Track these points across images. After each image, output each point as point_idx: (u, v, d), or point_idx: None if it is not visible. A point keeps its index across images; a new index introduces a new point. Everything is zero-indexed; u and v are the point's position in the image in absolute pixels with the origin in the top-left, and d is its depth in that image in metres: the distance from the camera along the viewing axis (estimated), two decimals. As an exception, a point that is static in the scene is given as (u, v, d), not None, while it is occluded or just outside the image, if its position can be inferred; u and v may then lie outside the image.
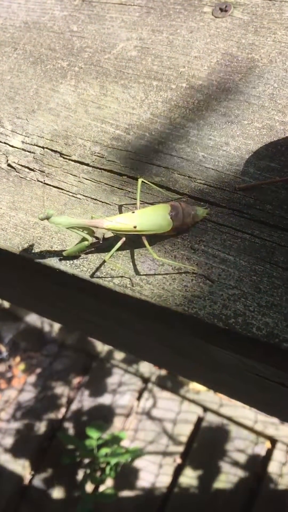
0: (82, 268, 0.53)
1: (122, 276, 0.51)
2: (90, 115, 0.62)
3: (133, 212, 0.51)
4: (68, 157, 0.60)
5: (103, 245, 0.54)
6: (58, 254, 0.54)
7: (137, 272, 0.51)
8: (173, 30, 0.64)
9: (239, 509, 1.99)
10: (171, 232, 0.51)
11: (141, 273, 0.51)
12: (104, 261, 0.52)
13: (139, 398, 2.34)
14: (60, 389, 2.45)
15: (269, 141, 0.54)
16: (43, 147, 0.62)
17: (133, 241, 0.52)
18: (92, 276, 0.52)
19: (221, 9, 0.63)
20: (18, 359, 2.53)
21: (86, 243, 0.52)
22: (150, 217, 0.50)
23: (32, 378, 2.50)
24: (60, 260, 0.53)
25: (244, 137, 0.55)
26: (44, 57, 0.69)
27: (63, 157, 0.60)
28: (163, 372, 2.36)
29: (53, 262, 0.54)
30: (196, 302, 0.47)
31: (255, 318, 0.45)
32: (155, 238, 0.52)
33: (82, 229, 0.52)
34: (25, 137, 0.63)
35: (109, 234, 0.54)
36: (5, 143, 0.64)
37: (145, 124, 0.59)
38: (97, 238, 0.54)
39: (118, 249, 0.52)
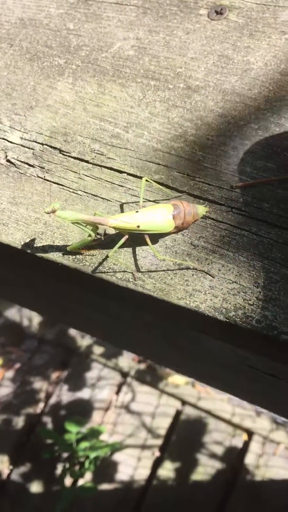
0: (84, 262, 0.54)
1: (124, 271, 0.53)
2: (89, 113, 0.63)
3: (137, 211, 0.53)
4: (67, 154, 0.61)
5: (104, 241, 0.55)
6: (60, 248, 0.55)
7: (139, 267, 0.52)
8: (169, 31, 0.66)
9: (217, 500, 2.03)
10: (172, 231, 0.53)
11: (143, 268, 0.52)
12: (107, 256, 0.53)
13: (118, 392, 2.36)
14: (39, 384, 2.45)
15: (265, 142, 0.56)
16: (42, 144, 0.63)
17: (136, 238, 0.54)
18: (94, 270, 0.53)
19: (216, 12, 0.65)
20: (-5, 354, 2.52)
21: (89, 238, 0.53)
22: (153, 217, 0.52)
23: (10, 373, 2.50)
24: (63, 254, 0.55)
25: (241, 137, 0.57)
26: (40, 54, 0.70)
27: (63, 154, 0.61)
28: (142, 366, 2.38)
29: (55, 256, 0.55)
30: (197, 296, 0.49)
31: (255, 312, 0.47)
32: (157, 235, 0.53)
33: (86, 224, 0.53)
34: (24, 133, 0.64)
35: (110, 231, 0.55)
36: (3, 138, 0.64)
37: (143, 122, 0.61)
38: (99, 234, 0.55)
39: (120, 246, 0.53)
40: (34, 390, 2.44)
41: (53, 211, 0.52)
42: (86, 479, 2.16)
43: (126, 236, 0.54)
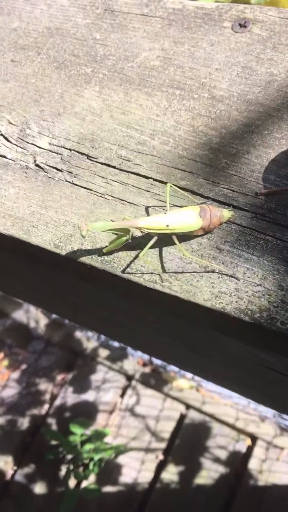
0: (113, 264, 0.56)
1: (151, 273, 0.55)
2: (115, 120, 0.66)
3: (165, 213, 0.55)
4: (95, 160, 0.63)
5: (132, 243, 0.57)
6: (88, 250, 0.57)
7: (166, 269, 0.54)
8: (194, 42, 0.68)
9: (220, 504, 2.04)
10: (199, 232, 0.55)
11: (170, 270, 0.54)
12: (135, 259, 0.56)
13: (122, 395, 2.38)
14: (44, 385, 2.47)
15: (288, 151, 0.58)
16: (70, 149, 0.65)
17: (163, 240, 0.56)
18: (123, 272, 0.55)
19: (240, 25, 0.67)
20: (1, 355, 2.54)
21: (123, 239, 0.55)
22: (181, 217, 0.55)
23: (16, 375, 2.52)
24: (92, 256, 0.57)
25: (265, 146, 0.59)
26: (68, 62, 0.72)
27: (90, 159, 0.64)
28: (147, 369, 2.40)
29: (84, 258, 0.57)
30: (223, 298, 0.51)
31: (279, 313, 0.49)
32: (183, 238, 0.56)
33: (118, 230, 0.55)
34: (52, 139, 0.66)
35: (137, 233, 0.58)
36: (32, 144, 0.67)
37: (169, 130, 0.63)
38: (131, 236, 0.57)
39: (150, 247, 0.55)
40: (39, 392, 2.46)
41: (88, 230, 0.54)
42: (90, 481, 2.18)
43: (156, 238, 0.56)
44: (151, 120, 0.65)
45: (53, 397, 2.44)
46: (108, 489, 2.16)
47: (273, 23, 0.66)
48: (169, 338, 0.73)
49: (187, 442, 2.21)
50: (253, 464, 2.10)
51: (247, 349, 0.60)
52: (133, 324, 0.74)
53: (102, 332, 1.15)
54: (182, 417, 2.27)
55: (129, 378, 2.40)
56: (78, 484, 2.19)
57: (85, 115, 0.67)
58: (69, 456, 2.23)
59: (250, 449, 2.14)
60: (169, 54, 0.69)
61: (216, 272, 0.53)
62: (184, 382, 2.32)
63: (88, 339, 2.51)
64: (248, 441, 2.16)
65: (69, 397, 2.41)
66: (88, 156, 0.64)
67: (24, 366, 2.52)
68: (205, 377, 0.93)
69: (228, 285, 0.52)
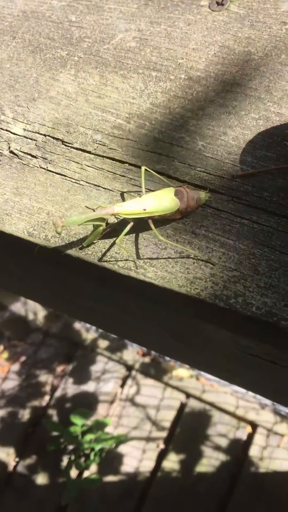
0: (87, 251, 0.55)
1: (126, 259, 0.53)
2: (91, 104, 0.64)
3: (141, 196, 0.54)
4: (70, 145, 0.62)
5: (108, 230, 0.56)
6: (62, 238, 0.56)
7: (140, 256, 0.53)
8: (171, 22, 0.66)
9: (221, 492, 2.04)
10: (176, 215, 0.53)
11: (145, 257, 0.53)
12: (111, 246, 0.54)
13: (122, 385, 2.37)
14: (44, 377, 2.46)
15: (265, 131, 0.56)
16: (44, 135, 0.63)
17: (139, 226, 0.54)
18: (97, 259, 0.54)
19: (217, 3, 0.65)
20: (1, 347, 2.54)
21: (101, 228, 0.54)
22: (158, 199, 0.53)
23: (16, 367, 2.51)
24: (66, 243, 0.55)
25: (242, 127, 0.57)
26: (43, 46, 0.71)
27: (65, 145, 0.62)
28: (147, 359, 2.39)
29: (58, 246, 0.56)
30: (198, 284, 0.50)
31: (254, 298, 0.48)
32: (160, 222, 0.54)
33: (93, 220, 0.54)
34: (27, 125, 0.65)
35: (112, 220, 0.56)
36: (6, 130, 0.65)
37: (145, 113, 0.61)
38: (107, 224, 0.56)
39: (126, 234, 0.54)
40: (39, 383, 2.46)
41: (63, 226, 0.53)
42: (91, 471, 2.18)
43: (132, 223, 0.54)
44: (127, 103, 0.63)
45: (54, 389, 2.44)
46: (110, 478, 2.16)
47: (251, 0, 0.64)
48: (153, 327, 0.72)
49: (188, 430, 2.21)
50: (253, 451, 2.10)
51: (227, 335, 0.59)
52: (117, 314, 0.73)
53: (89, 322, 1.14)
54: (182, 406, 2.26)
55: (129, 368, 2.39)
56: (80, 474, 2.19)
57: (60, 99, 0.66)
58: (70, 447, 2.24)
59: (250, 437, 2.13)
60: (145, 35, 0.67)
61: (191, 258, 0.52)
62: (184, 371, 2.31)
63: (88, 330, 2.50)
64: (249, 429, 2.15)
65: (70, 388, 2.40)
66: (63, 142, 0.62)
67: (23, 358, 2.51)
68: (192, 365, 0.92)
69: (203, 271, 0.51)
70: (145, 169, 0.56)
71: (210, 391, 2.24)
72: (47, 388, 2.44)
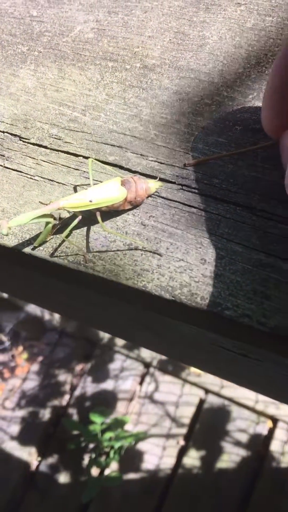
0: (39, 247, 0.54)
1: (76, 254, 0.52)
2: (49, 98, 0.63)
3: (86, 188, 0.53)
4: (27, 141, 0.61)
5: (60, 225, 0.55)
6: (16, 235, 0.55)
7: (90, 249, 0.52)
8: (128, 10, 0.65)
9: (242, 487, 2.02)
10: (126, 206, 0.52)
11: (94, 250, 0.52)
12: (64, 240, 0.53)
13: (141, 383, 2.37)
14: (63, 376, 2.48)
15: (218, 117, 0.54)
16: (3, 132, 0.63)
17: (88, 219, 0.53)
18: (48, 255, 0.53)
19: (174, -12, 0.63)
20: (20, 348, 2.56)
21: (50, 226, 0.53)
22: (104, 190, 0.52)
23: (35, 367, 2.53)
24: (18, 239, 0.55)
25: (194, 113, 0.55)
26: (5, 43, 0.70)
27: (22, 141, 0.61)
28: (164, 356, 2.38)
29: (11, 243, 0.55)
30: (145, 276, 0.49)
31: (200, 289, 0.46)
32: (109, 214, 0.53)
33: (41, 217, 0.53)
34: (-13, 123, 0.64)
35: (64, 215, 0.55)
36: None
37: (100, 105, 0.60)
38: (56, 219, 0.55)
39: (74, 228, 0.53)
40: (59, 383, 2.47)
41: (9, 227, 0.53)
42: (112, 469, 2.18)
43: (80, 217, 0.53)
44: (84, 95, 0.62)
45: (73, 388, 2.45)
46: (131, 476, 2.15)
47: (206, -18, 0.62)
48: (127, 321, 0.71)
49: (208, 426, 2.19)
50: (275, 446, 2.06)
51: (193, 328, 0.57)
52: (90, 308, 0.72)
53: (72, 317, 1.13)
54: (201, 402, 2.24)
55: (147, 365, 2.38)
56: (101, 472, 2.20)
57: (19, 95, 0.65)
58: (91, 445, 2.24)
59: (271, 431, 2.10)
60: (103, 25, 0.65)
61: (139, 249, 0.50)
62: (202, 367, 2.29)
63: (105, 328, 2.50)
64: (269, 423, 2.12)
65: (89, 386, 2.41)
66: (20, 138, 0.62)
67: (40, 358, 2.53)
68: (181, 360, 0.90)
69: (150, 262, 0.49)
70: (93, 161, 0.55)
71: (228, 386, 2.21)
72: (67, 387, 2.45)
